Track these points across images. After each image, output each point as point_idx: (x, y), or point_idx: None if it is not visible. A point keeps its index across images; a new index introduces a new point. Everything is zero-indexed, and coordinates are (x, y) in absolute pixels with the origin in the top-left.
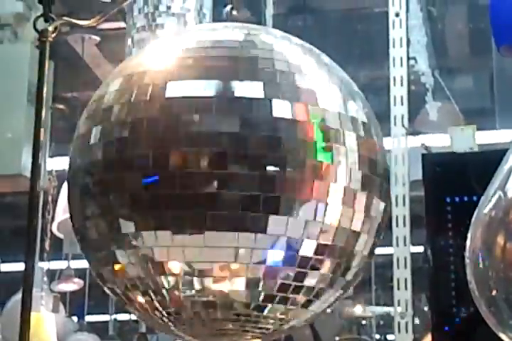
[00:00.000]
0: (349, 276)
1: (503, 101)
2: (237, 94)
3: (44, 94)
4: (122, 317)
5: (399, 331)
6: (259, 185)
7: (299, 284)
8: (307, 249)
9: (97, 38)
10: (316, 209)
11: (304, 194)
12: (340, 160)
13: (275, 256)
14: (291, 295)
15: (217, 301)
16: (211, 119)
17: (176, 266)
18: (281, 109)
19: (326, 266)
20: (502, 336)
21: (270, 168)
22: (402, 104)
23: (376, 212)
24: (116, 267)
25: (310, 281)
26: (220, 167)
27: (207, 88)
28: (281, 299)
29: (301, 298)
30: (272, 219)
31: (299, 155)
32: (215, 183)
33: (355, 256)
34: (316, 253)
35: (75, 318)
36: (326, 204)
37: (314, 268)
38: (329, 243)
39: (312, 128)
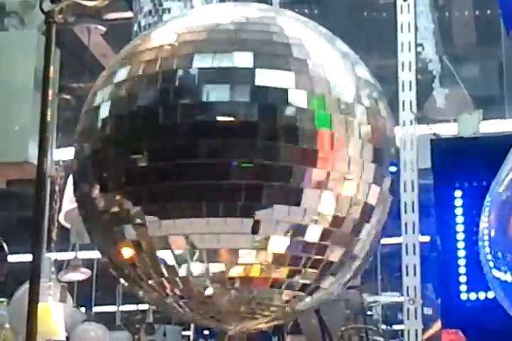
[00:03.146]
0: (359, 252)
1: None
2: (241, 65)
3: (51, 74)
4: (129, 307)
5: (408, 317)
6: (264, 154)
7: (321, 258)
8: (324, 221)
9: (103, 28)
10: (328, 180)
11: (316, 164)
12: (351, 132)
13: (300, 229)
14: (309, 270)
15: (232, 277)
16: (222, 90)
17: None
18: (290, 81)
19: (341, 240)
20: None
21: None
22: (410, 89)
23: (386, 187)
24: (125, 245)
25: (331, 255)
26: (233, 136)
27: (213, 61)
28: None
29: (318, 272)
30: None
31: (310, 126)
32: (231, 153)
33: (366, 229)
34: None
35: (82, 308)
36: (337, 174)
37: (330, 240)
38: (341, 215)
39: (323, 101)
